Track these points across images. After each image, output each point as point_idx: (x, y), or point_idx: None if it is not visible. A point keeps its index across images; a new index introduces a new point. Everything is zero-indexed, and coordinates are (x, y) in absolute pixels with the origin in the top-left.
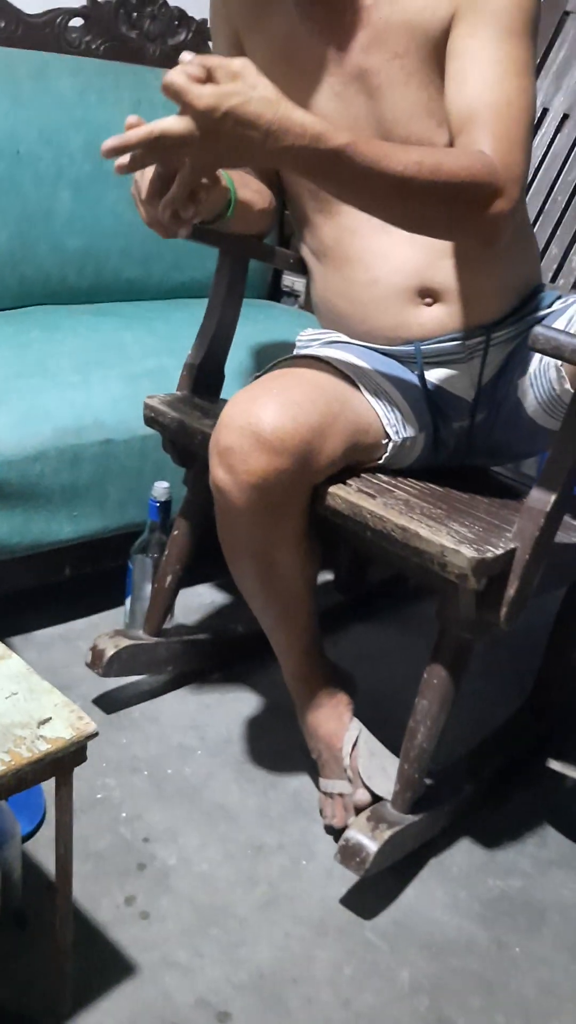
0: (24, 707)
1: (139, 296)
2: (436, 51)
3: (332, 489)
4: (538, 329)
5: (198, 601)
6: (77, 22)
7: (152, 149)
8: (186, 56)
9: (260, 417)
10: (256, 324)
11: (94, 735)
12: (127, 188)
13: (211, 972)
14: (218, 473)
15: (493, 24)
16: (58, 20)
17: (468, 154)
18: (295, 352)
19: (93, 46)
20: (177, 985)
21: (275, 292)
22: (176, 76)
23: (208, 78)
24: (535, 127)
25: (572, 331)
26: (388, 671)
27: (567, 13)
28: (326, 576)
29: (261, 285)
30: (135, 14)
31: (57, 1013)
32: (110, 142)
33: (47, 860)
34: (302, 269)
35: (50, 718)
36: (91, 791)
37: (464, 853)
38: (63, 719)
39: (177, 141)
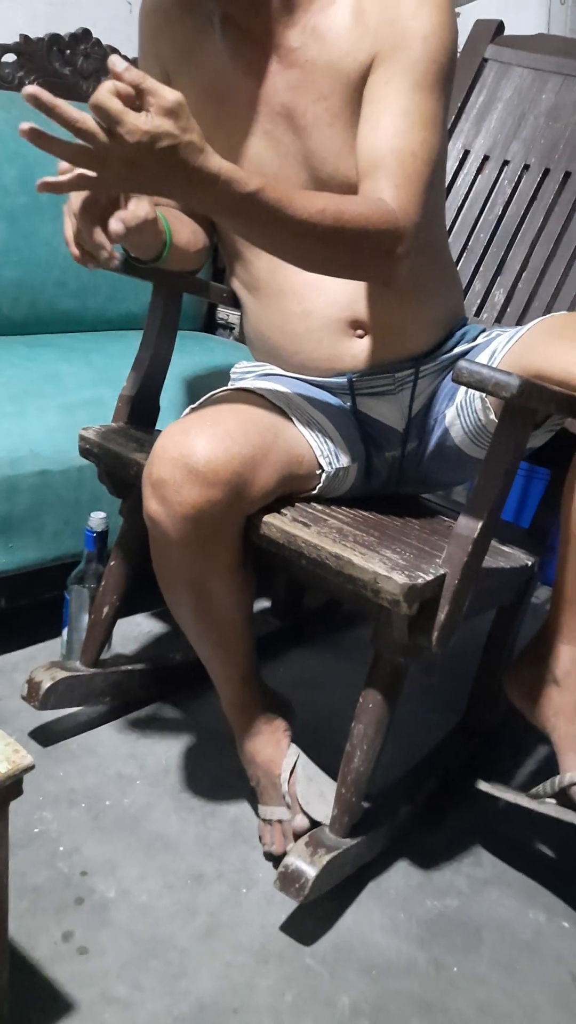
0: None
1: (75, 328)
2: (358, 94)
3: (267, 519)
4: (461, 363)
5: (136, 630)
6: (10, 58)
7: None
8: (118, 64)
9: (193, 449)
10: (192, 356)
11: (30, 768)
12: (62, 221)
13: (151, 1006)
14: (151, 505)
15: (408, 75)
16: None
17: (369, 202)
18: (230, 384)
19: (27, 81)
20: (117, 1021)
21: (210, 324)
22: (109, 99)
23: (137, 96)
24: (457, 169)
25: (495, 363)
26: (326, 696)
27: (485, 60)
28: (263, 602)
29: (196, 317)
30: (68, 51)
31: None
32: (45, 180)
33: None
34: (235, 303)
35: None
36: (28, 825)
37: (401, 874)
38: None
39: (99, 181)
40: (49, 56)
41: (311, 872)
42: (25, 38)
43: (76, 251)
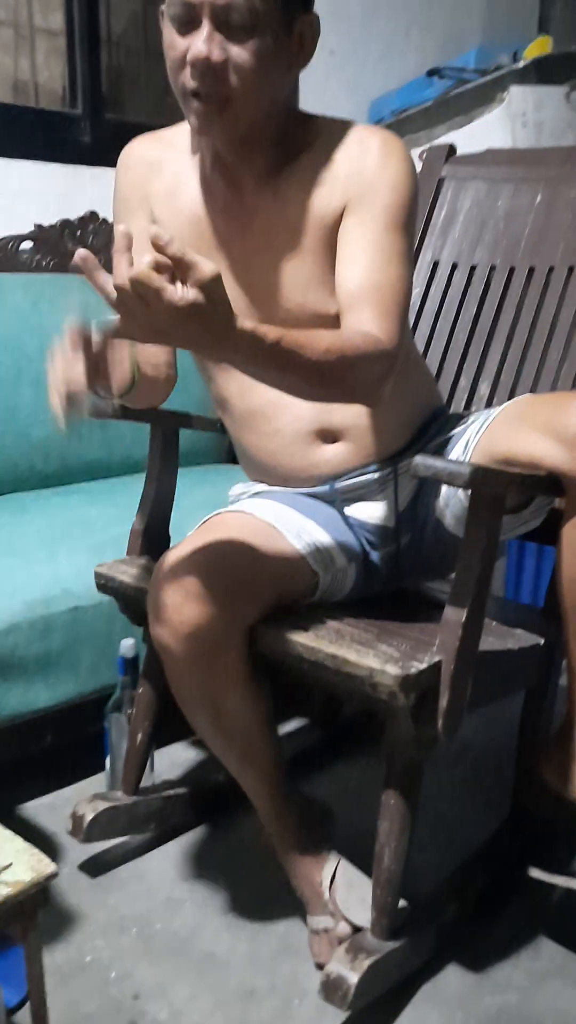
0: None
1: (103, 474)
2: (329, 233)
3: (265, 628)
4: (417, 459)
5: (181, 756)
6: (27, 245)
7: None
8: (162, 236)
9: (188, 571)
10: (211, 486)
11: (54, 875)
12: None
13: None
14: (156, 628)
15: (380, 218)
16: (9, 245)
17: (361, 335)
18: (227, 507)
19: (43, 263)
20: None
21: (233, 456)
22: (149, 274)
23: (175, 267)
24: (430, 279)
25: (469, 453)
26: (369, 802)
27: (442, 179)
28: (302, 715)
29: (218, 451)
30: (78, 232)
31: None
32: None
33: None
34: (224, 429)
35: (11, 864)
36: (80, 955)
37: (457, 973)
38: (23, 863)
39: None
40: (62, 239)
41: (352, 977)
42: (39, 226)
43: (57, 400)
